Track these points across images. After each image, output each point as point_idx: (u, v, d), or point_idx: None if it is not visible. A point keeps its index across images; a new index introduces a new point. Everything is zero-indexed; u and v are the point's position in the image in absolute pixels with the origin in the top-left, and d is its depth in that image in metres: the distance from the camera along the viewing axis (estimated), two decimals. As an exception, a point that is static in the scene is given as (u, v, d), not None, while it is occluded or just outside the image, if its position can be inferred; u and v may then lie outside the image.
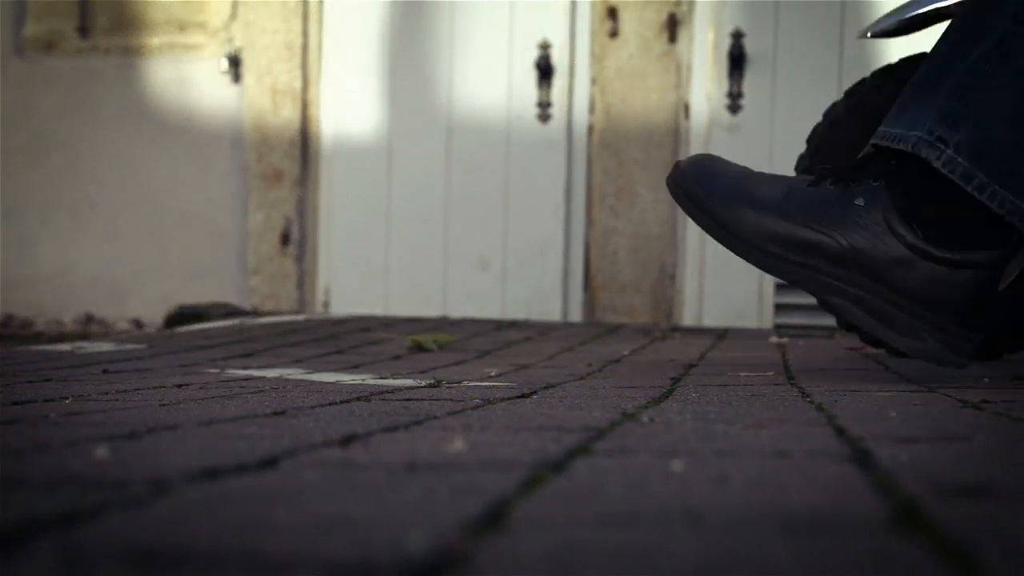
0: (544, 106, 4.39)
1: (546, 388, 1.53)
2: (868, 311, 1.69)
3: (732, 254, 1.76)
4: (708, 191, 1.76)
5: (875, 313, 1.68)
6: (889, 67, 2.19)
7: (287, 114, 4.49)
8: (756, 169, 1.91)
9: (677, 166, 1.82)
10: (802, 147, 2.17)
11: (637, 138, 4.16)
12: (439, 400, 1.36)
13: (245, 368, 2.07)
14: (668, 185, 1.83)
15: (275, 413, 1.20)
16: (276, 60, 4.50)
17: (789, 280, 1.74)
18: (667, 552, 0.54)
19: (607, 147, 4.20)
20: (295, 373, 1.94)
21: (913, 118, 1.66)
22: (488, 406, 1.27)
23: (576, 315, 4.25)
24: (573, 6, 4.32)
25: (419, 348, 2.56)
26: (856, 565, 0.52)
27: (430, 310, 4.37)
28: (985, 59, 1.65)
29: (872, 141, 1.70)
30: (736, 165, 1.83)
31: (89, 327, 4.66)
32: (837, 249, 1.68)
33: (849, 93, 2.18)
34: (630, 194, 4.18)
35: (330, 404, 1.30)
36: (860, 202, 1.67)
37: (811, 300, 4.04)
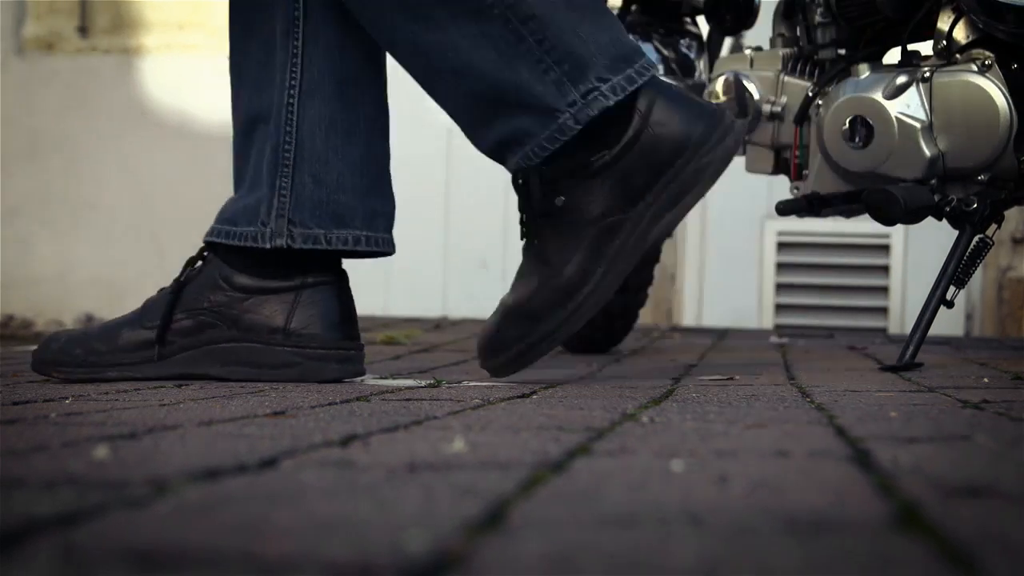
0: (544, 106, 4.38)
1: (546, 388, 1.53)
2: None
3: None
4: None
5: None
6: None
7: (287, 114, 4.49)
8: None
9: None
10: None
11: (637, 138, 4.16)
12: (439, 400, 1.36)
13: (245, 368, 2.07)
14: None
15: (275, 413, 1.20)
16: (276, 60, 4.51)
17: None
18: (667, 553, 0.54)
19: (607, 147, 4.20)
20: (295, 373, 1.93)
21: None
22: (488, 406, 1.27)
23: (576, 315, 4.25)
24: (573, 6, 4.32)
25: (392, 343, 2.68)
26: (857, 566, 0.52)
27: (430, 310, 4.37)
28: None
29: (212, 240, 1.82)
30: None
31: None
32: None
33: None
34: (630, 194, 4.18)
35: (330, 404, 1.30)
36: None
37: (812, 300, 4.05)
